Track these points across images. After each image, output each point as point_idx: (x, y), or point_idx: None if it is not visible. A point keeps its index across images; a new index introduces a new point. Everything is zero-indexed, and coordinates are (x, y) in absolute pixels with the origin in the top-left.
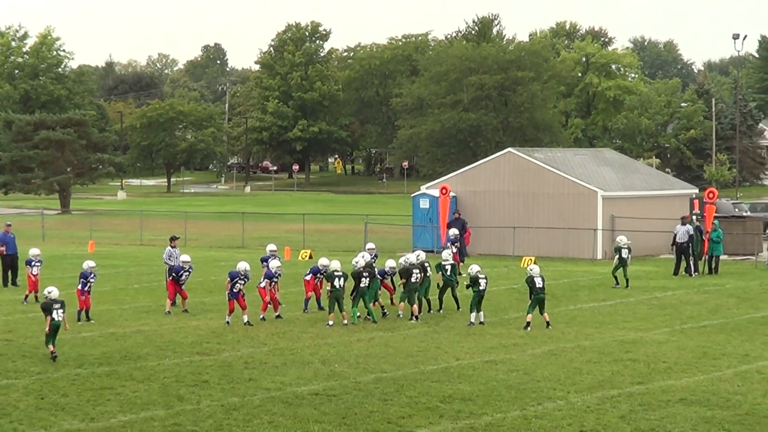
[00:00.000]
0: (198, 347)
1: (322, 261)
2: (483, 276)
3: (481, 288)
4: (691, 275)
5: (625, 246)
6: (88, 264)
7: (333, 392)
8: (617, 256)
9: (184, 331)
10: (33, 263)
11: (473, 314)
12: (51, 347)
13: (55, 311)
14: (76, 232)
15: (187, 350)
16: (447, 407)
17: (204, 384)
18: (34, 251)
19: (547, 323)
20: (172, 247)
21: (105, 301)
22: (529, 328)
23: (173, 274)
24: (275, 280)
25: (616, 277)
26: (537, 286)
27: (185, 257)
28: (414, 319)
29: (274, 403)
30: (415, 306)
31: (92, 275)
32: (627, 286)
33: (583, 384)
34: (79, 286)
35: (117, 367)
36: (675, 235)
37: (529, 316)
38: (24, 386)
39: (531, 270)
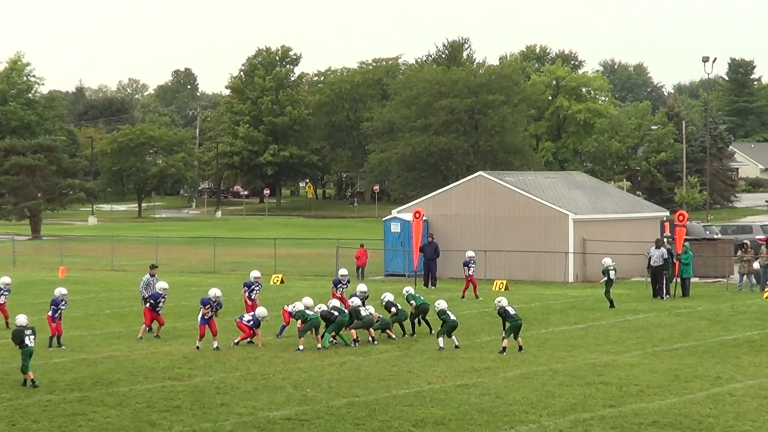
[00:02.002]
0: (170, 372)
1: (306, 302)
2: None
3: (451, 319)
4: (662, 298)
5: (612, 267)
6: (59, 291)
7: (305, 417)
8: (605, 278)
9: (156, 357)
10: (1, 292)
11: (440, 339)
12: (30, 374)
13: (27, 337)
14: (46, 258)
15: (158, 375)
16: (419, 431)
17: (176, 409)
18: (4, 280)
19: (520, 347)
20: (151, 275)
21: (76, 327)
22: (505, 353)
23: (150, 301)
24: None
25: (611, 300)
26: (511, 313)
27: (162, 284)
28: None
29: (246, 428)
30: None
31: (63, 302)
32: (612, 306)
33: (556, 407)
34: (50, 313)
35: (88, 393)
36: (649, 258)
37: (506, 341)
38: None
39: (499, 302)
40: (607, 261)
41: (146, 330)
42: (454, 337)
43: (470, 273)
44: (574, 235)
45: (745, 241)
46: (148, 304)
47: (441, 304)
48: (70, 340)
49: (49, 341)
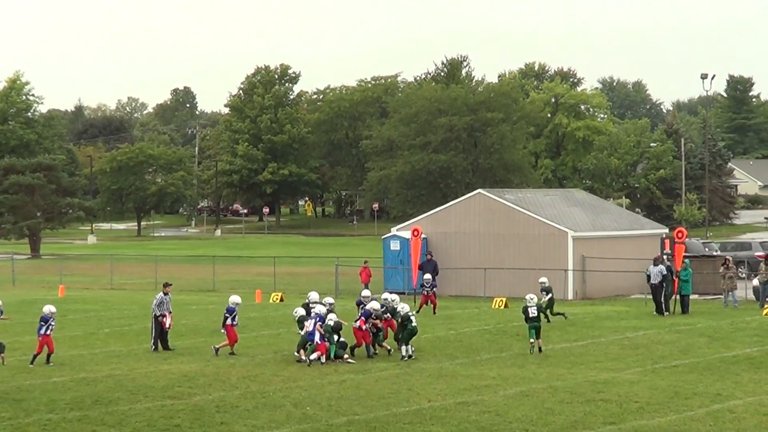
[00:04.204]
0: (169, 391)
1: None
2: (413, 313)
3: (413, 325)
4: (662, 314)
5: (547, 284)
6: (48, 308)
7: None
8: (549, 296)
9: (156, 375)
10: (49, 322)
11: (403, 348)
12: None
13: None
14: (46, 277)
15: (158, 394)
16: None
17: (176, 428)
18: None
19: (540, 348)
20: (164, 293)
21: (76, 346)
22: (532, 351)
23: (226, 315)
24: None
25: (562, 313)
26: (530, 315)
27: (235, 298)
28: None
29: None
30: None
31: (52, 319)
32: (548, 321)
33: (556, 425)
34: (42, 330)
35: (88, 412)
36: (648, 276)
37: (531, 340)
38: None
39: (530, 300)
40: (544, 279)
41: (229, 346)
42: (410, 345)
43: (430, 293)
44: (573, 252)
45: (727, 257)
46: (225, 320)
47: (405, 308)
48: (69, 359)
49: (32, 358)
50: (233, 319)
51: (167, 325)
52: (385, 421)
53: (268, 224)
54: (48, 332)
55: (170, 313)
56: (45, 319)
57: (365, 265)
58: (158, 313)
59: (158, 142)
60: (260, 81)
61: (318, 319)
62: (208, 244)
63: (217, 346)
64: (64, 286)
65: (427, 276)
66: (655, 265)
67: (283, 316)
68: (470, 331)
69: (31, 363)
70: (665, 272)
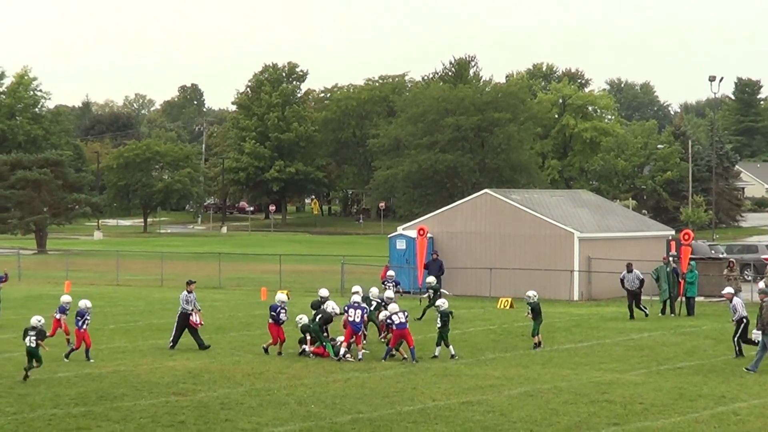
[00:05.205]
0: (174, 387)
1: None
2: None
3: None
4: (632, 319)
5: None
6: (84, 303)
7: None
8: (432, 294)
9: (161, 372)
10: (84, 317)
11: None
12: (27, 371)
13: (28, 337)
14: (52, 272)
15: (163, 391)
16: None
17: (180, 425)
18: (86, 303)
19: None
20: (188, 291)
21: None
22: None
23: (272, 313)
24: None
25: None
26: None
27: (282, 296)
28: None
29: None
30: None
31: (87, 314)
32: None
33: (560, 425)
34: (80, 325)
35: (93, 407)
36: (622, 280)
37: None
38: (0, 426)
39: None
40: (431, 279)
41: (276, 344)
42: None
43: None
44: (579, 253)
45: (731, 260)
46: (271, 319)
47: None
48: (74, 355)
49: (68, 353)
50: (278, 316)
51: (198, 322)
52: (390, 419)
53: (274, 222)
54: (84, 327)
55: (199, 311)
56: (81, 314)
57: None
58: (188, 309)
59: (165, 138)
60: (268, 79)
61: (360, 308)
62: (214, 241)
63: (265, 346)
64: (69, 282)
65: (430, 279)
66: (629, 271)
67: (289, 314)
68: (475, 331)
69: (66, 357)
70: (641, 277)
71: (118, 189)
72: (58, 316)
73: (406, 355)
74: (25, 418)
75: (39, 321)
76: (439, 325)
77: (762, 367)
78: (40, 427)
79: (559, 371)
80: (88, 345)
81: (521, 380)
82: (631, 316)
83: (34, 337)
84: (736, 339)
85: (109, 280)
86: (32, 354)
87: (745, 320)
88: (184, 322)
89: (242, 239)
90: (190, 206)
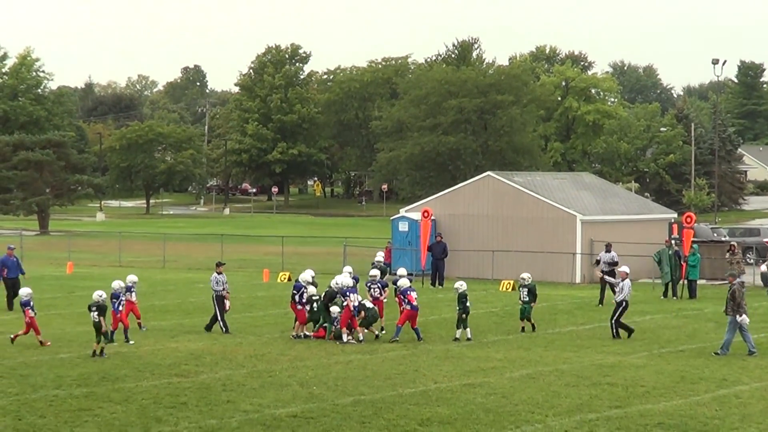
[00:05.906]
0: (176, 369)
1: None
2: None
3: (372, 312)
4: (602, 305)
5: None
6: (118, 284)
7: (311, 415)
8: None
9: (163, 353)
10: (131, 290)
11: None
12: (95, 345)
13: (91, 313)
14: (54, 254)
15: (165, 372)
16: (425, 430)
17: (182, 406)
18: (132, 278)
19: (523, 329)
20: (218, 273)
21: (83, 323)
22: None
23: (294, 291)
24: None
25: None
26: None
27: (307, 275)
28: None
29: (252, 425)
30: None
31: (122, 294)
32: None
33: (562, 407)
34: (116, 306)
35: (95, 388)
36: (598, 261)
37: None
38: (1, 407)
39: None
40: (402, 271)
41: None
42: (366, 330)
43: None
44: (581, 236)
45: (732, 243)
46: (292, 300)
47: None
48: (77, 336)
49: (111, 336)
50: (300, 297)
51: (227, 307)
52: (392, 401)
53: (276, 204)
54: (121, 308)
55: (228, 293)
56: (116, 296)
57: (388, 245)
58: (219, 290)
59: (168, 120)
60: (271, 60)
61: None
62: (216, 222)
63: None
64: (72, 263)
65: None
66: (608, 251)
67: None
68: (477, 314)
69: (112, 340)
70: (617, 259)
71: (120, 170)
72: (127, 298)
73: (377, 332)
74: (27, 399)
75: (100, 296)
76: (458, 309)
77: (763, 349)
78: (41, 407)
79: (561, 354)
80: (126, 326)
81: (523, 363)
82: (601, 302)
83: (96, 312)
84: (613, 321)
85: (111, 261)
86: (97, 329)
87: (624, 303)
88: (221, 303)
89: (245, 221)
90: (193, 188)
